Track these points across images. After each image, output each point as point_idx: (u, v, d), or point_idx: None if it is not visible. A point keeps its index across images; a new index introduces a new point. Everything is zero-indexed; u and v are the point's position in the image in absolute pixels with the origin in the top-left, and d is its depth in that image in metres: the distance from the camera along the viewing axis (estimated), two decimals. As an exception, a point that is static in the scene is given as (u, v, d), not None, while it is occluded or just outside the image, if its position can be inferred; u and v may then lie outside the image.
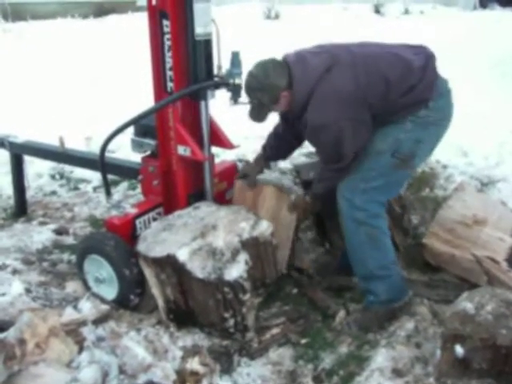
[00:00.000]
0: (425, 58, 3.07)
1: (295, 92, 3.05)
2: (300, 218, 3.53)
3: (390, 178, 3.16)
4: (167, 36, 3.25)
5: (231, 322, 3.02)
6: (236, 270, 2.96)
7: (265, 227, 3.24)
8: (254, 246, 3.15)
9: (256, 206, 3.59)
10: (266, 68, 3.08)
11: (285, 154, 3.69)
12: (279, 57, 3.18)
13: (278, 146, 3.59)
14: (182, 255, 2.96)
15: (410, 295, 3.28)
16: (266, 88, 3.06)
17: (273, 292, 3.45)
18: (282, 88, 3.05)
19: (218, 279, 2.92)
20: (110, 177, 3.84)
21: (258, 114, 3.19)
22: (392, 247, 3.22)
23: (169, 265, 2.98)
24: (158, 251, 3.02)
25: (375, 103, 2.99)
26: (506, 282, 3.02)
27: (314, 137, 3.12)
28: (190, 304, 3.06)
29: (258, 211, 3.52)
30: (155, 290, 3.11)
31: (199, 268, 2.94)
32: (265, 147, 3.65)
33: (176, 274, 2.99)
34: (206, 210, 3.35)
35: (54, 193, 5.13)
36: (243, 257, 3.03)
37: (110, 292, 3.36)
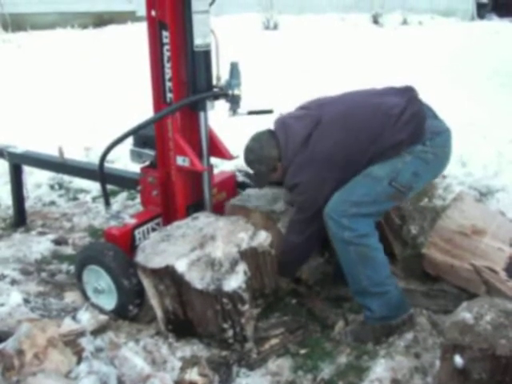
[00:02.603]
0: (406, 101, 3.13)
1: (283, 161, 3.26)
2: None
3: (382, 207, 3.19)
4: (166, 47, 3.27)
5: (230, 332, 3.01)
6: (235, 281, 2.96)
7: (263, 237, 3.24)
8: (252, 257, 3.15)
9: None
10: (260, 141, 3.32)
11: None
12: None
13: None
14: (181, 266, 2.95)
15: (410, 313, 3.21)
16: (262, 160, 3.30)
17: (272, 302, 3.45)
18: (277, 159, 3.27)
19: (217, 290, 2.92)
20: (109, 187, 3.85)
21: (258, 182, 3.55)
22: (386, 262, 3.16)
23: (167, 276, 2.98)
24: (157, 262, 3.02)
25: (358, 155, 3.10)
26: (505, 292, 3.03)
27: (291, 194, 3.33)
28: (189, 315, 3.05)
29: None
30: (154, 301, 3.11)
31: (198, 279, 2.93)
32: None
33: (175, 285, 2.99)
34: (204, 221, 3.35)
35: (53, 203, 5.13)
36: (242, 267, 3.03)
37: (109, 302, 3.35)
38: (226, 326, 2.99)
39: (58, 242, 4.38)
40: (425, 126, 3.09)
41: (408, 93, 3.20)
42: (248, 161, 3.37)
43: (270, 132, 3.34)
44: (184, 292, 2.98)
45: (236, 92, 3.32)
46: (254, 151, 3.32)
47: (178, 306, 3.05)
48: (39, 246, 4.28)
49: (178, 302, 3.03)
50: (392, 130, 3.07)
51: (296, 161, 3.18)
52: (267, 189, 3.74)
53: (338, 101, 3.29)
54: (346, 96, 3.32)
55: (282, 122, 3.32)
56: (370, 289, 3.11)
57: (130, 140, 3.59)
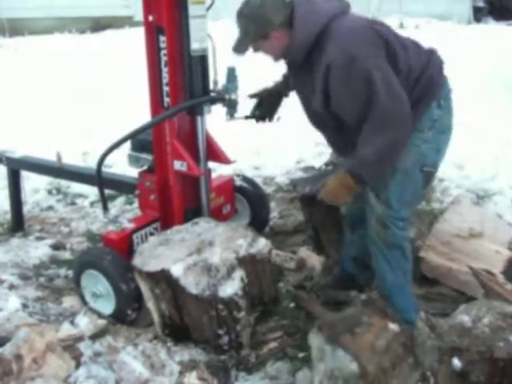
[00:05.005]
0: (428, 48, 2.97)
1: (297, 32, 2.74)
2: None
3: (420, 194, 3.11)
4: (164, 51, 3.27)
5: (225, 338, 3.01)
6: (231, 287, 2.95)
7: (263, 244, 3.23)
8: (251, 264, 3.15)
9: None
10: None
11: None
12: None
13: None
14: (177, 270, 2.95)
15: None
16: (256, 19, 2.77)
17: (270, 306, 3.45)
18: (275, 25, 2.76)
19: (212, 296, 2.91)
20: (107, 192, 3.84)
21: (239, 44, 2.88)
22: None
23: (163, 280, 2.98)
24: (153, 266, 3.01)
25: (399, 58, 2.74)
26: (503, 295, 3.03)
27: (341, 79, 2.67)
28: (185, 319, 3.05)
29: None
30: (150, 305, 3.10)
31: (193, 284, 2.93)
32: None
33: (170, 289, 2.98)
34: (204, 226, 3.34)
35: (50, 208, 5.13)
36: (239, 274, 3.02)
37: (107, 307, 3.35)
38: (221, 332, 2.99)
39: (56, 246, 4.37)
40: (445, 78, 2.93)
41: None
42: (240, 14, 2.83)
43: None
44: (179, 296, 2.98)
45: (233, 96, 3.33)
46: (251, 5, 2.78)
47: (174, 311, 3.04)
48: (37, 250, 4.27)
49: (174, 307, 3.03)
50: (429, 69, 2.85)
51: (335, 30, 2.70)
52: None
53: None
54: None
55: None
56: None
57: (127, 145, 3.59)
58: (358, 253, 3.47)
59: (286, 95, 3.48)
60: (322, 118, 2.94)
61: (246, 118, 3.49)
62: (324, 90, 2.76)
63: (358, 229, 3.41)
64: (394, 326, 2.55)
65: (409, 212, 3.02)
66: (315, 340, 2.53)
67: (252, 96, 3.53)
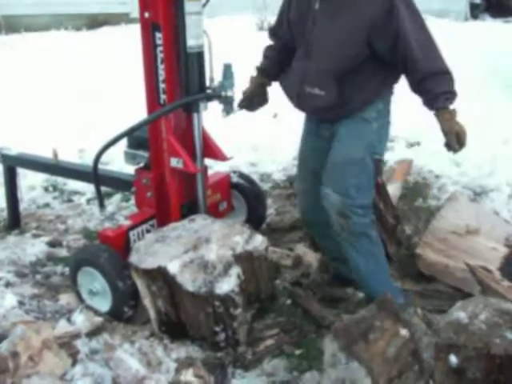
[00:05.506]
0: None
1: None
2: None
3: (373, 187, 3.19)
4: (160, 48, 3.27)
5: (222, 336, 3.01)
6: (227, 284, 2.95)
7: (259, 241, 3.23)
8: (247, 260, 3.14)
9: None
10: None
11: (282, 66, 3.42)
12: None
13: (275, 57, 3.45)
14: (173, 268, 2.95)
15: None
16: None
17: (267, 303, 3.45)
18: None
19: (209, 293, 2.91)
20: (104, 189, 3.84)
21: None
22: None
23: (160, 277, 2.97)
24: (150, 263, 3.01)
25: None
26: (500, 292, 3.03)
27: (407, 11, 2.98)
28: (182, 317, 3.05)
29: None
30: (147, 302, 3.10)
31: (190, 281, 2.93)
32: (260, 63, 3.53)
33: (167, 287, 2.98)
34: (200, 223, 3.34)
35: (47, 205, 5.12)
36: (235, 271, 3.02)
37: (104, 304, 3.34)
38: (217, 329, 2.99)
39: (53, 244, 4.37)
40: None
41: None
42: None
43: None
44: (176, 294, 2.97)
45: (229, 93, 3.33)
46: None
47: (171, 308, 3.04)
48: (34, 248, 4.26)
49: (171, 304, 3.03)
50: None
51: None
52: None
53: None
54: None
55: None
56: None
57: (124, 142, 3.59)
58: (336, 252, 3.48)
59: (270, 84, 3.55)
60: (343, 54, 2.98)
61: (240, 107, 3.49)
62: (375, 16, 2.88)
63: (319, 229, 3.50)
64: (404, 332, 2.55)
65: (368, 200, 3.12)
66: (330, 346, 2.53)
67: (241, 107, 3.53)
